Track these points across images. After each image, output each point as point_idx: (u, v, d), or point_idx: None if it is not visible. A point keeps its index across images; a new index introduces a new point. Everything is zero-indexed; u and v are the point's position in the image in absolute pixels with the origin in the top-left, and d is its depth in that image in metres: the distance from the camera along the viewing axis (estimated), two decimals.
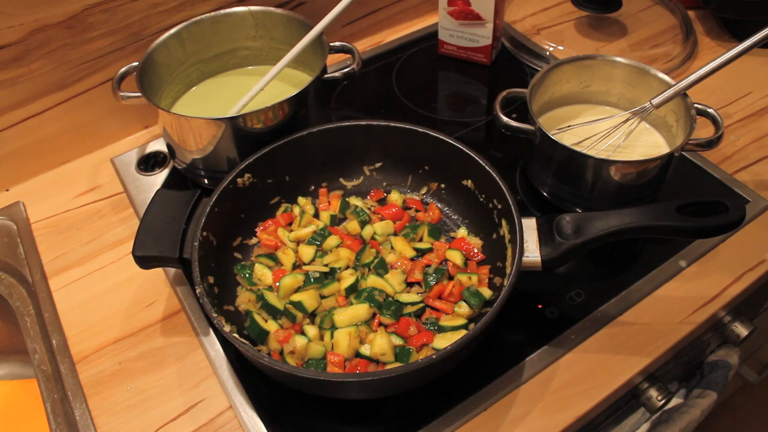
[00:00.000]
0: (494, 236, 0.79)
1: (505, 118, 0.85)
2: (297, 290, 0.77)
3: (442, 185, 0.88)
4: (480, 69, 1.13)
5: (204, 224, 0.74)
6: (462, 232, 0.84)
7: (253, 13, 0.97)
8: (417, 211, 0.87)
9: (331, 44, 0.93)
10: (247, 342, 0.68)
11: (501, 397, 0.71)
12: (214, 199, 0.76)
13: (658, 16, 1.19)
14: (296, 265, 0.81)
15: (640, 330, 0.77)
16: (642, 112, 0.84)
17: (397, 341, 0.72)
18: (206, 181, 0.92)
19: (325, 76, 0.90)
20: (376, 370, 0.69)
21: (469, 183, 0.83)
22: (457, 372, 0.71)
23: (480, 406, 0.70)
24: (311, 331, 0.73)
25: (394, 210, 0.86)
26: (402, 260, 0.80)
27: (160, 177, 0.98)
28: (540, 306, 0.79)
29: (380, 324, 0.74)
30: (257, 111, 0.83)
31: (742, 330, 0.91)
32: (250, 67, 1.03)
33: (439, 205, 0.88)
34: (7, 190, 0.99)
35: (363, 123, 0.85)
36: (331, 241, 0.82)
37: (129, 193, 0.96)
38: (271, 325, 0.74)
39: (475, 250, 0.81)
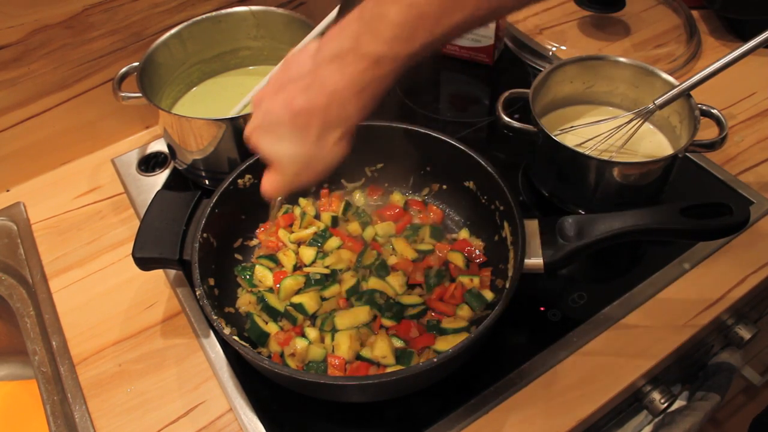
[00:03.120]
0: (496, 238, 0.79)
1: (507, 119, 0.85)
2: (298, 292, 0.77)
3: (444, 186, 0.87)
4: (482, 69, 1.13)
5: (204, 225, 0.73)
6: (464, 233, 0.84)
7: (254, 13, 0.97)
8: (419, 212, 0.87)
9: None
10: (247, 344, 0.67)
11: (503, 400, 0.71)
12: (214, 200, 0.76)
13: (661, 15, 1.19)
14: (297, 267, 0.81)
15: (643, 333, 0.76)
16: (645, 112, 0.83)
17: (399, 344, 0.71)
18: (207, 181, 0.92)
19: None
20: (377, 373, 0.68)
21: (471, 184, 0.82)
22: (458, 375, 0.70)
23: (481, 410, 0.70)
24: (312, 333, 0.73)
25: (395, 211, 0.85)
26: (403, 262, 0.79)
27: (160, 177, 0.97)
28: (542, 308, 0.78)
29: (381, 326, 0.73)
30: None
31: (745, 332, 0.90)
32: (251, 67, 1.03)
33: (440, 207, 0.87)
34: (8, 191, 0.98)
35: (364, 123, 0.83)
36: (332, 242, 0.82)
37: (129, 194, 0.95)
38: (271, 327, 0.74)
39: (477, 252, 0.81)
